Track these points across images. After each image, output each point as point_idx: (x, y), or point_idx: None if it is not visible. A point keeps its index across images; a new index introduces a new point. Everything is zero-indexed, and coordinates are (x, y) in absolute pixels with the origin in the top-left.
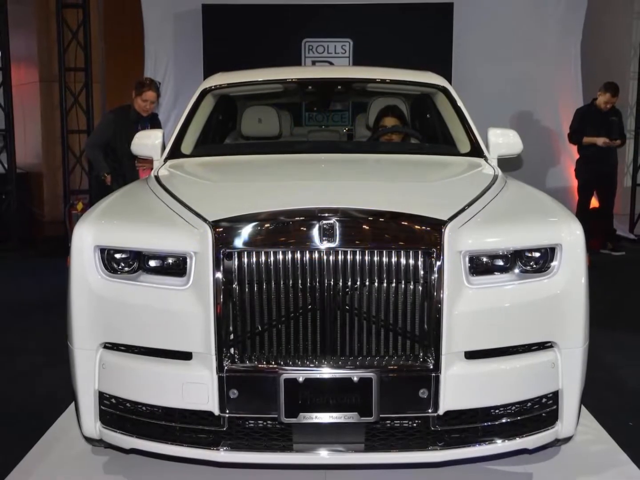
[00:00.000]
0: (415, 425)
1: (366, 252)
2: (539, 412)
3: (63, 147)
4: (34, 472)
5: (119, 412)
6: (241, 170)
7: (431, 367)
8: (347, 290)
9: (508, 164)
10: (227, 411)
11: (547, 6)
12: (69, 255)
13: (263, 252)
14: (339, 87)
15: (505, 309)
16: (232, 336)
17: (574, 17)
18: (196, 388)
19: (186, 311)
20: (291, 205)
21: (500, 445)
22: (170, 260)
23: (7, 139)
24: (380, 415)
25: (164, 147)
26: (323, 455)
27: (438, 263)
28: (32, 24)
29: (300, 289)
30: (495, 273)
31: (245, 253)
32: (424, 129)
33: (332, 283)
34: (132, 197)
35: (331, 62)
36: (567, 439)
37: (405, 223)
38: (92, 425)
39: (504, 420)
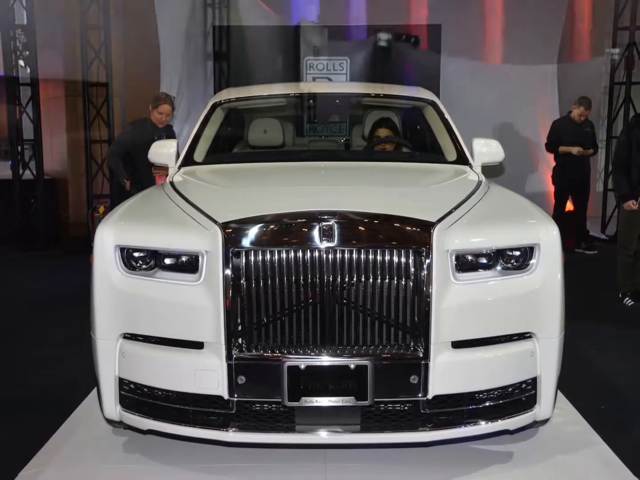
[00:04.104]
0: (406, 408)
1: (362, 251)
2: (519, 397)
3: (86, 155)
4: (60, 450)
5: (137, 397)
6: (248, 177)
7: (421, 355)
8: (345, 285)
9: (491, 171)
10: (236, 395)
11: (527, 27)
12: (92, 254)
13: (268, 251)
14: (337, 101)
15: (489, 302)
16: (240, 327)
17: (551, 38)
18: (207, 374)
19: (198, 305)
20: (294, 208)
21: (483, 427)
22: (183, 259)
23: (36, 149)
24: (375, 400)
25: (178, 156)
26: (323, 435)
27: (427, 261)
28: (58, 43)
29: (302, 284)
30: (480, 270)
31: (252, 252)
32: (415, 139)
33: (331, 279)
34: (150, 201)
35: (330, 79)
36: (544, 421)
37: (398, 224)
38: (113, 408)
39: (487, 404)
